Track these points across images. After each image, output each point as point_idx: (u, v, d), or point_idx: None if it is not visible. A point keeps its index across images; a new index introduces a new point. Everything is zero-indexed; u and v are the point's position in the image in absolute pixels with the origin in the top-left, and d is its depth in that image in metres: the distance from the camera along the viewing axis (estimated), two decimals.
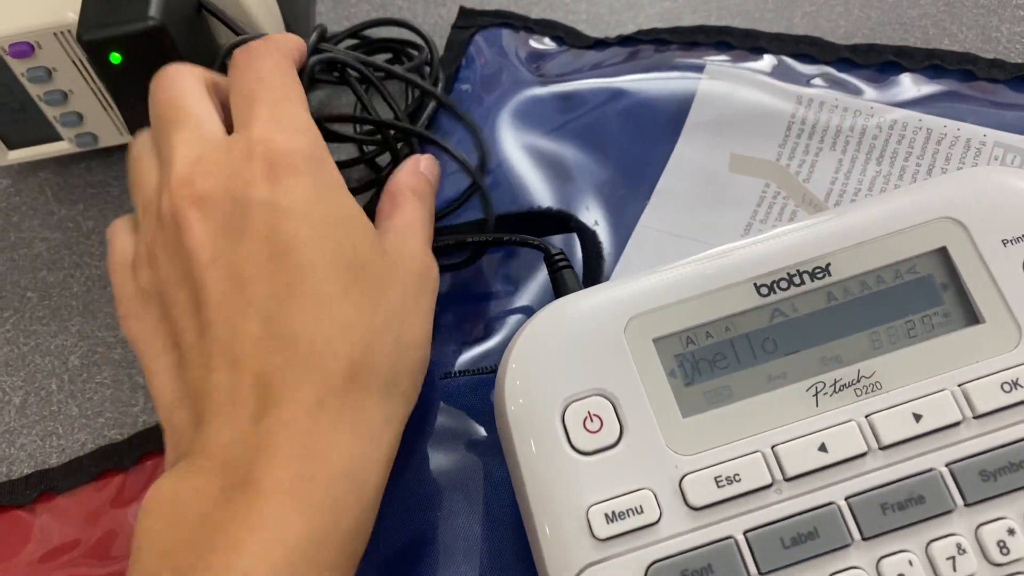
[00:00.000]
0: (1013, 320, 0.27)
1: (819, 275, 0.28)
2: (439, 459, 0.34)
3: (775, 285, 0.28)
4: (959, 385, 0.27)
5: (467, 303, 0.38)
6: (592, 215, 0.39)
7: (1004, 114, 0.39)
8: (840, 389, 0.27)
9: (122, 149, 0.45)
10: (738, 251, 0.29)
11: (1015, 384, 0.26)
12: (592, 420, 0.27)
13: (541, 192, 0.40)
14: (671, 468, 0.27)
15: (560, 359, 0.28)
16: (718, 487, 0.26)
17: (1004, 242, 0.28)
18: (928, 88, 0.40)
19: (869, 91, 0.41)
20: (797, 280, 0.28)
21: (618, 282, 0.29)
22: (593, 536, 0.26)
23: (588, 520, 0.26)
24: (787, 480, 0.26)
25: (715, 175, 0.40)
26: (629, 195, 0.40)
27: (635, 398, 0.27)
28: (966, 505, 0.26)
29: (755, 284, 0.28)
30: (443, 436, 0.34)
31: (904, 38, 0.43)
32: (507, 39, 0.46)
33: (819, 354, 0.28)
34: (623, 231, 0.39)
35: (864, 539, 0.26)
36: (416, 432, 0.35)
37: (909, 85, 0.41)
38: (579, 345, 0.28)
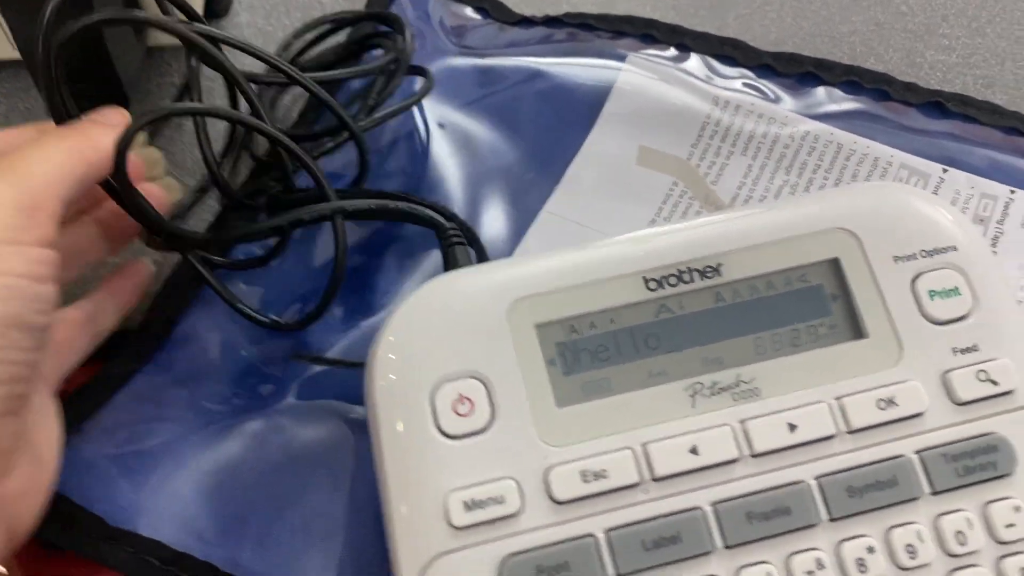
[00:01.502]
0: (896, 337, 0.27)
1: (709, 274, 0.27)
2: (306, 435, 0.32)
3: (664, 280, 0.27)
4: (836, 399, 0.26)
5: (356, 283, 0.36)
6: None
7: (913, 138, 0.40)
8: (718, 392, 0.26)
9: (10, 66, 0.41)
10: (630, 243, 0.28)
11: (890, 402, 0.26)
12: (463, 403, 0.26)
13: (446, 167, 0.39)
14: (539, 459, 0.25)
15: (437, 337, 0.27)
16: (584, 482, 0.25)
17: (896, 259, 0.28)
18: (843, 104, 0.40)
19: (786, 100, 0.40)
20: (687, 277, 0.27)
21: (505, 262, 0.28)
22: (449, 524, 0.25)
23: (446, 506, 0.25)
24: (655, 480, 0.25)
25: (625, 168, 0.39)
26: (537, 179, 0.39)
27: (510, 384, 0.26)
28: (830, 520, 0.25)
29: (644, 278, 0.27)
30: (312, 414, 0.33)
31: (832, 52, 0.43)
32: (433, 5, 0.44)
33: (701, 355, 0.27)
34: (525, 215, 0.37)
35: (727, 547, 0.25)
36: (280, 407, 0.33)
37: (825, 98, 0.40)
38: (459, 324, 0.27)
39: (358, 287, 0.35)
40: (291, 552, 0.31)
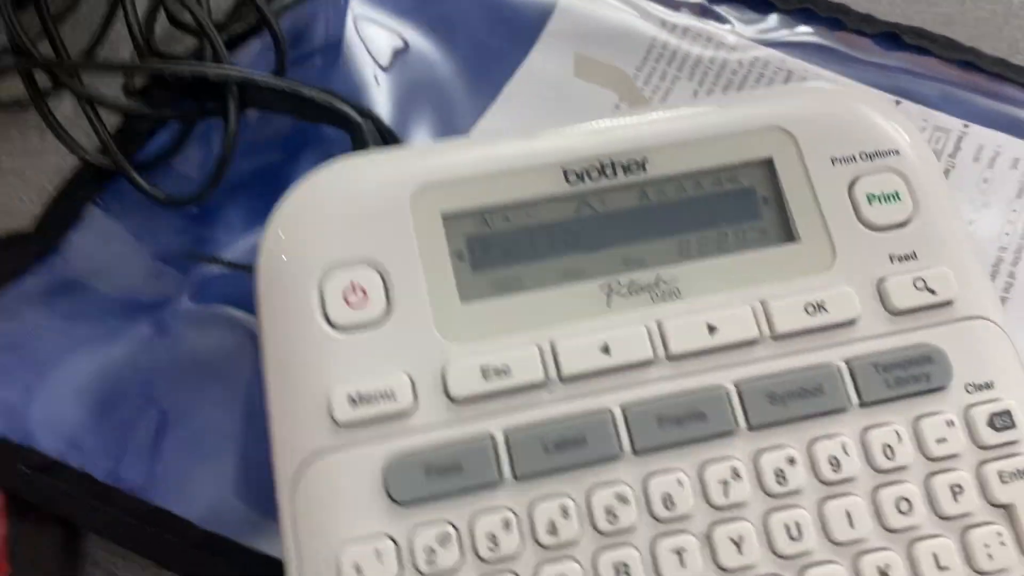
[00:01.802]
0: (829, 242, 0.25)
1: (634, 169, 0.25)
2: (200, 342, 0.30)
3: (585, 173, 0.25)
4: (761, 302, 0.24)
5: (263, 185, 0.33)
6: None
7: (866, 68, 0.38)
8: (635, 291, 0.24)
9: None
10: (551, 133, 0.26)
11: (819, 307, 0.24)
12: (355, 292, 0.24)
13: (373, 77, 0.36)
14: (437, 354, 0.23)
15: (333, 220, 0.24)
16: (484, 379, 0.23)
17: (833, 160, 0.26)
18: (796, 31, 0.38)
19: (738, 25, 0.39)
20: (609, 171, 0.25)
21: (415, 146, 0.26)
22: (333, 420, 0.22)
23: (329, 401, 0.22)
24: (563, 380, 0.23)
25: (566, 87, 0.37)
26: (471, 96, 0.36)
27: (410, 275, 0.24)
28: (749, 429, 0.23)
29: (564, 170, 0.25)
30: (208, 320, 0.30)
31: None
32: None
33: (622, 255, 0.25)
34: (455, 133, 0.35)
35: (635, 453, 0.23)
36: (174, 310, 0.30)
37: (777, 25, 0.38)
38: (357, 208, 0.24)
39: (265, 190, 0.32)
40: (178, 467, 0.29)
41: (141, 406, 0.29)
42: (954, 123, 0.37)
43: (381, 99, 0.36)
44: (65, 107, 0.34)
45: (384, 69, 0.36)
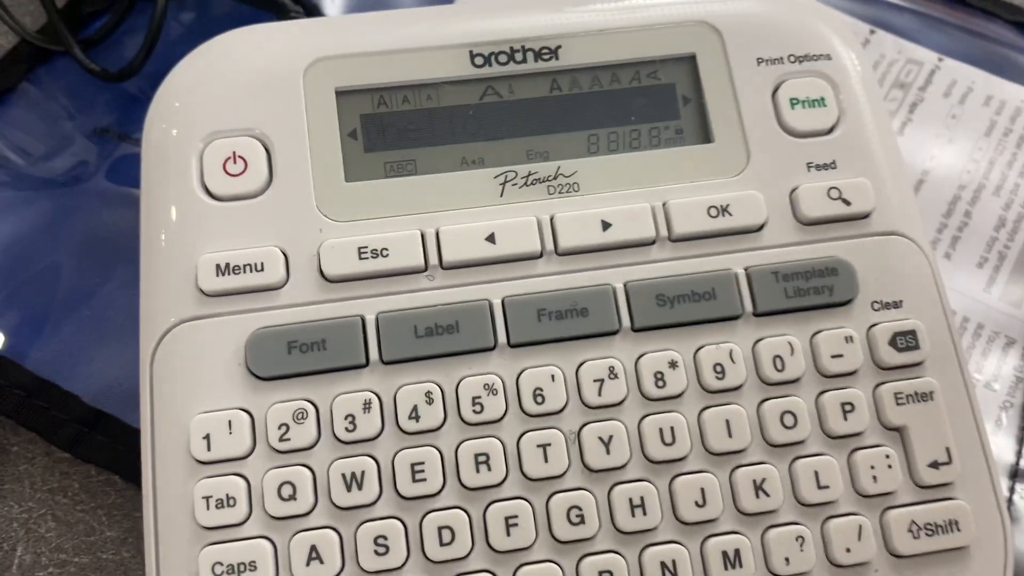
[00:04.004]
0: (744, 145, 0.24)
1: (545, 56, 0.24)
2: (108, 219, 0.29)
3: (493, 57, 0.24)
4: (663, 202, 0.23)
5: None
6: None
7: None
8: (532, 183, 0.23)
9: None
10: (461, 12, 0.24)
11: (723, 211, 0.23)
12: (236, 162, 0.23)
13: None
14: (314, 231, 0.22)
15: (220, 90, 0.23)
16: (360, 259, 0.22)
17: (760, 60, 0.24)
18: None
19: None
20: (519, 57, 0.24)
21: (316, 20, 0.24)
22: (199, 289, 0.22)
23: (196, 269, 0.22)
24: (444, 268, 0.22)
25: None
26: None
27: (294, 148, 0.23)
28: (633, 330, 0.22)
29: (471, 52, 0.24)
30: (119, 198, 0.29)
31: None
32: None
33: (526, 146, 0.24)
34: None
35: (510, 346, 0.22)
36: (86, 187, 0.29)
37: None
38: (248, 79, 0.23)
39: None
40: (78, 345, 0.28)
41: (46, 282, 0.29)
42: (928, 56, 0.35)
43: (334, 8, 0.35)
44: None
45: None
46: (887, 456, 0.21)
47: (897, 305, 0.23)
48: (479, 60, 0.24)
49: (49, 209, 0.30)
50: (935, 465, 0.22)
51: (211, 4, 0.33)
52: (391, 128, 0.24)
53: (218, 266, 0.22)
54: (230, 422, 0.21)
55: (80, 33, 0.34)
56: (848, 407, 0.22)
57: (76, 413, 0.27)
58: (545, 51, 0.24)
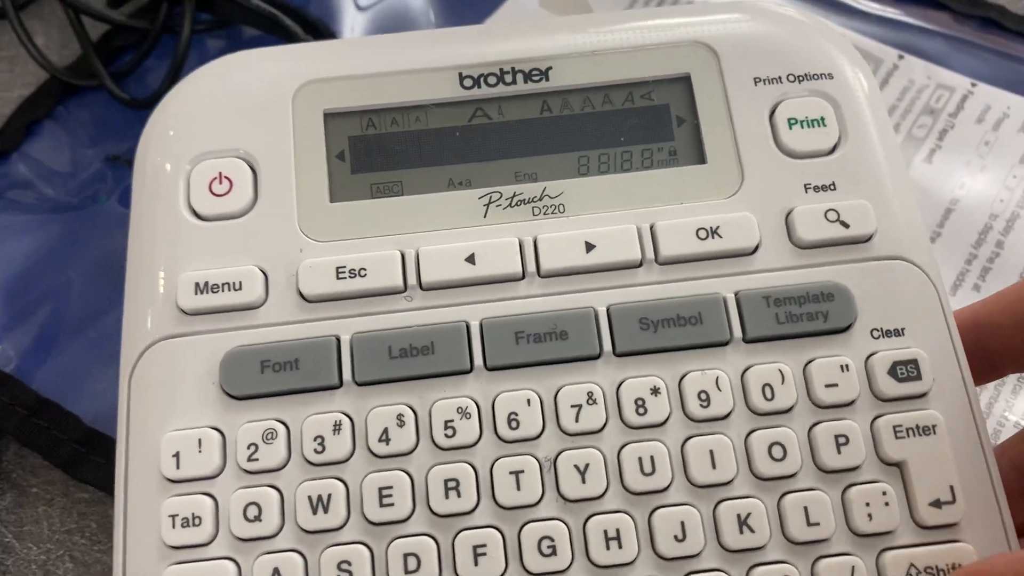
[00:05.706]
0: (738, 165, 0.23)
1: (536, 77, 0.24)
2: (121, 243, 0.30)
3: (482, 79, 0.24)
4: (650, 224, 0.22)
5: None
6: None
7: (868, 20, 0.35)
8: (516, 204, 0.23)
9: None
10: (449, 35, 0.24)
11: (713, 233, 0.22)
12: (221, 182, 0.23)
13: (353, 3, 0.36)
14: (294, 251, 0.22)
15: (210, 112, 0.24)
16: (338, 278, 0.22)
17: (757, 80, 0.23)
18: None
19: None
20: (509, 78, 0.24)
21: (307, 44, 0.25)
22: (178, 307, 0.22)
23: (176, 287, 0.22)
24: (423, 289, 0.22)
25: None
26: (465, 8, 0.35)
27: (280, 169, 0.23)
28: (615, 354, 0.21)
29: (460, 73, 0.24)
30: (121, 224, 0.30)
31: None
32: None
33: (514, 168, 0.23)
34: None
35: (487, 369, 0.21)
36: (101, 209, 0.30)
37: None
38: (238, 102, 0.24)
39: None
40: (82, 365, 0.29)
41: (57, 303, 0.29)
42: (960, 81, 0.34)
43: (358, 29, 0.35)
44: (33, 26, 0.35)
45: (362, 10, 0.36)
46: (884, 493, 0.20)
47: (899, 333, 0.21)
48: (468, 82, 0.24)
49: (64, 232, 0.30)
50: (937, 504, 0.20)
51: (240, 32, 0.34)
52: (378, 150, 0.24)
53: (197, 284, 0.22)
54: (200, 440, 0.21)
55: (110, 66, 0.35)
56: (843, 440, 0.20)
57: (75, 433, 0.27)
58: (535, 72, 0.24)
